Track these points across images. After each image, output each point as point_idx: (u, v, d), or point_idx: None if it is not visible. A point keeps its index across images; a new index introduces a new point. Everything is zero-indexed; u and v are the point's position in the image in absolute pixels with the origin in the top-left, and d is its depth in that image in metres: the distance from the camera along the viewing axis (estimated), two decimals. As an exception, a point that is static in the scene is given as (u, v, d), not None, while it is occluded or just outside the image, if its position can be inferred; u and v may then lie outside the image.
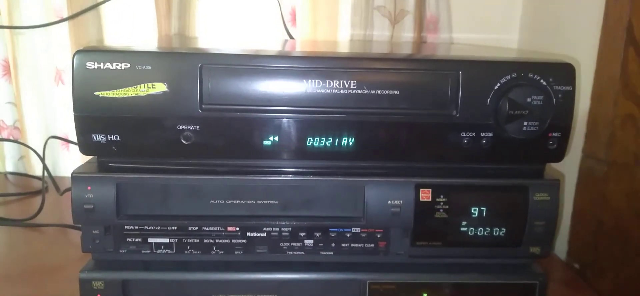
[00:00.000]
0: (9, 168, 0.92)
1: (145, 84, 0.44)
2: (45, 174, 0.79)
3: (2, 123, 0.88)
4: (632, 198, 0.59)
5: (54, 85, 0.89)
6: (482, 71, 0.46)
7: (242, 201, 0.47)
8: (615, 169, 0.59)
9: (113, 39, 0.87)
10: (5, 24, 0.84)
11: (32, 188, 0.83)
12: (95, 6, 0.82)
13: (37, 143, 0.88)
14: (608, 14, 0.61)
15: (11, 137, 0.89)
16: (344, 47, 0.69)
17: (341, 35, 0.85)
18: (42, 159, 0.80)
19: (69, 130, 0.91)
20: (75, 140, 0.46)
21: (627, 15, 0.57)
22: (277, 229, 0.48)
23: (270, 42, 0.73)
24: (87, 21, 0.84)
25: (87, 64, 0.43)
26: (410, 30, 0.84)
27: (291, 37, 0.85)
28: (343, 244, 0.48)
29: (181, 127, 0.45)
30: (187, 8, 0.84)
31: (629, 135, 0.58)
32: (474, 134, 0.46)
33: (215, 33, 0.88)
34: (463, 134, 0.46)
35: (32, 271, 0.57)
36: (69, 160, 0.93)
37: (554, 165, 0.50)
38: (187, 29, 0.85)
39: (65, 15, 0.82)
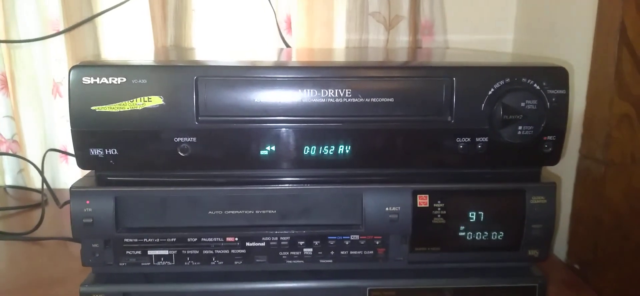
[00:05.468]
0: (8, 181, 0.92)
1: (142, 98, 0.44)
2: (45, 187, 0.79)
3: (1, 137, 0.88)
4: (630, 197, 0.59)
5: (51, 98, 0.89)
6: (475, 76, 0.46)
7: (240, 212, 0.48)
8: (613, 169, 0.59)
9: (109, 52, 0.87)
10: (2, 37, 0.84)
11: (31, 201, 0.83)
12: (91, 19, 0.83)
13: (35, 156, 0.88)
14: (601, 14, 0.61)
15: (10, 151, 0.89)
16: (339, 55, 0.69)
17: (336, 42, 0.85)
18: (41, 173, 0.80)
19: (68, 142, 0.91)
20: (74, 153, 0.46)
21: (620, 16, 0.57)
22: (276, 238, 0.48)
23: (265, 52, 0.73)
24: (83, 33, 0.84)
25: (84, 79, 0.44)
26: (405, 34, 0.84)
27: (287, 45, 0.85)
28: (342, 252, 0.48)
29: (178, 139, 0.45)
30: (183, 18, 0.84)
31: (625, 135, 0.58)
32: (469, 139, 0.46)
33: (211, 43, 0.88)
34: (458, 139, 0.46)
35: (33, 285, 0.57)
36: (68, 172, 0.93)
37: (552, 166, 0.50)
38: (184, 39, 0.85)
39: (62, 28, 0.83)
